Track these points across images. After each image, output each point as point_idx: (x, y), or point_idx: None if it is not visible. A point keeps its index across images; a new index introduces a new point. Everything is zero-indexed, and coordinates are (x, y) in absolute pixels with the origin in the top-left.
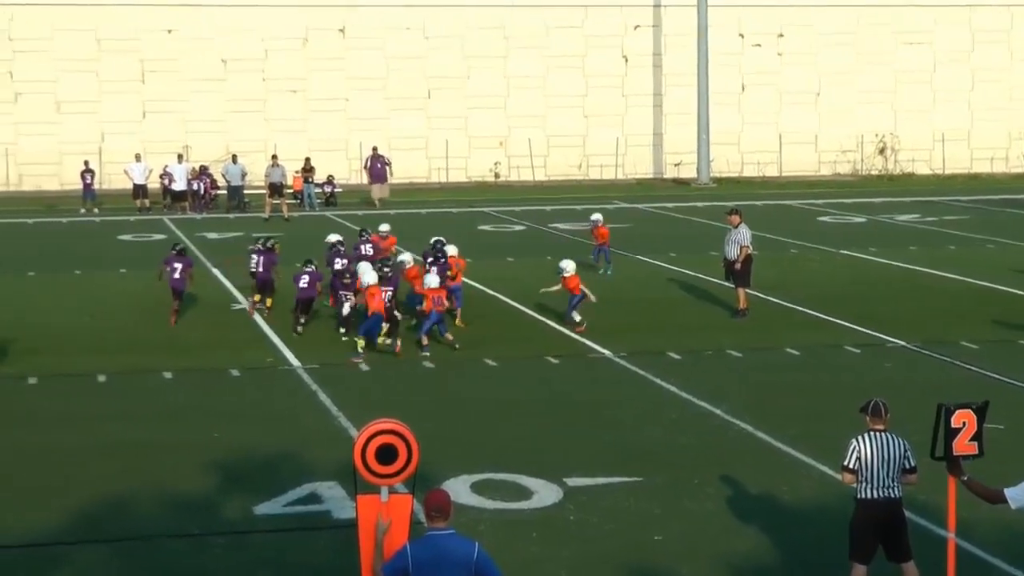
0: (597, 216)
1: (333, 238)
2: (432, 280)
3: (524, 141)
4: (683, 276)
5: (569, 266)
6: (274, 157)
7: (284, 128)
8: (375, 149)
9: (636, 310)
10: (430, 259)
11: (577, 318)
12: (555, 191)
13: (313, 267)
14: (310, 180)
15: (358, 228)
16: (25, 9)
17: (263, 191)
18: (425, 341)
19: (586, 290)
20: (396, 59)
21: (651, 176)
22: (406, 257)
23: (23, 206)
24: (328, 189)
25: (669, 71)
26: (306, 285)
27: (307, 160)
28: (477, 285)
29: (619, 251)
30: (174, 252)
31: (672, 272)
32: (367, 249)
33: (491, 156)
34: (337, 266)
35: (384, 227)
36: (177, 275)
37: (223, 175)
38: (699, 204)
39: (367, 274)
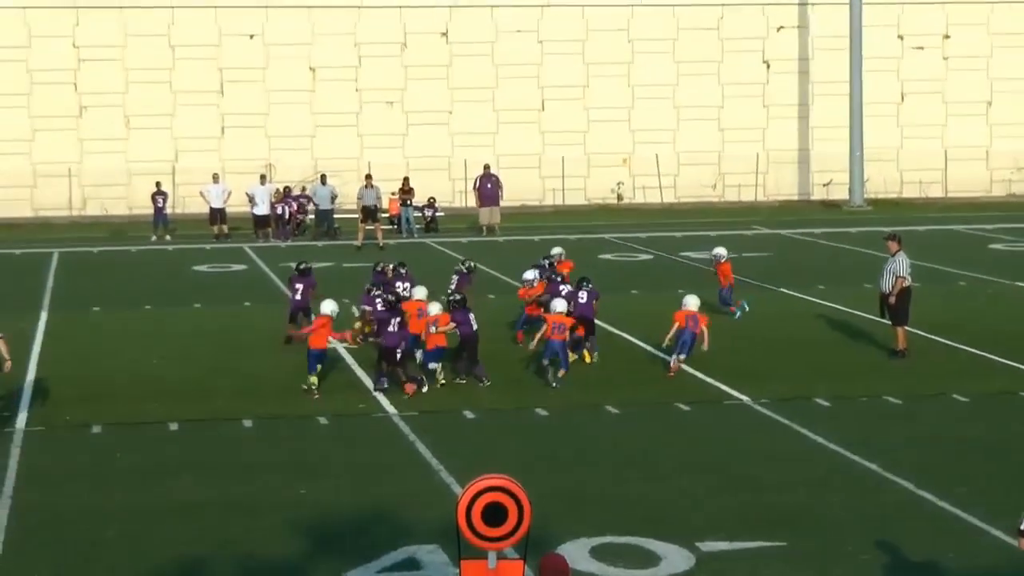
0: (720, 251)
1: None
2: (559, 305)
3: (651, 158)
4: (833, 312)
5: (692, 301)
6: (368, 177)
7: (379, 144)
8: (487, 167)
9: (778, 350)
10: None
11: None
12: (686, 214)
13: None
14: (408, 203)
15: (461, 261)
16: (92, 12)
17: (355, 215)
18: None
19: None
20: (506, 66)
21: (796, 197)
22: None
23: (88, 232)
24: (429, 213)
25: (817, 78)
26: (299, 297)
27: (405, 180)
28: (598, 322)
29: (760, 284)
30: (296, 272)
31: (820, 307)
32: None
33: (613, 175)
34: (400, 291)
35: (557, 249)
36: (299, 296)
37: (311, 197)
38: (851, 230)
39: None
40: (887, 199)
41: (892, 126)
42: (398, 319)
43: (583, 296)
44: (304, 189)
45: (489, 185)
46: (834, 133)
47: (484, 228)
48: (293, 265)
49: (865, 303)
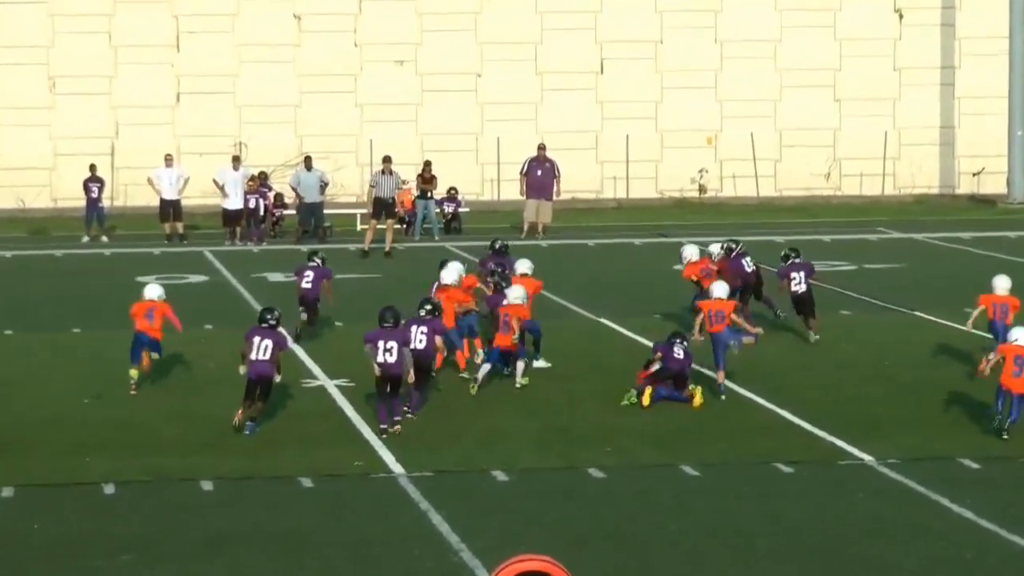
0: (689, 251)
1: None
2: (719, 290)
3: (744, 138)
4: (984, 344)
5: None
6: (386, 160)
7: (384, 117)
8: (542, 148)
9: (911, 394)
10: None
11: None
12: (789, 212)
13: (317, 261)
14: (430, 195)
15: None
16: None
17: (353, 210)
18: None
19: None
20: (553, 14)
21: (936, 190)
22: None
23: None
24: (449, 208)
25: (965, 33)
26: (309, 285)
27: (426, 166)
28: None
29: (887, 305)
30: (309, 262)
31: (967, 338)
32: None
33: (694, 160)
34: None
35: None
36: (308, 283)
37: (292, 187)
38: (1010, 234)
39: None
40: None
41: None
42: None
43: (678, 352)
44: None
45: (540, 172)
46: (988, 106)
47: (527, 227)
48: (266, 278)
49: None
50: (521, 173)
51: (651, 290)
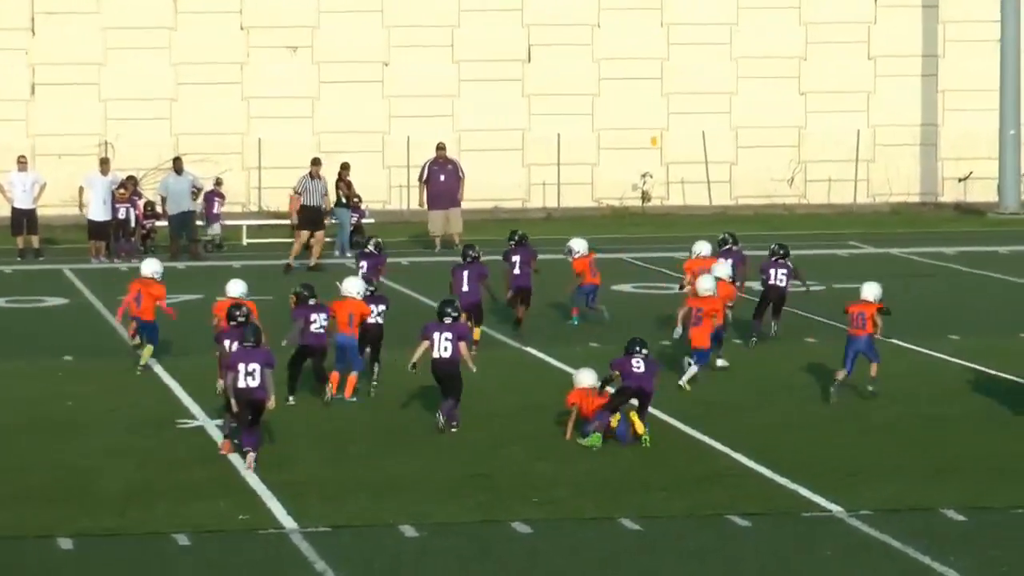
0: (577, 244)
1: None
2: (722, 269)
3: (694, 138)
4: (972, 376)
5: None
6: (316, 163)
7: (275, 112)
8: (441, 149)
9: (886, 435)
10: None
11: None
12: (747, 224)
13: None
14: (348, 202)
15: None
16: None
17: (239, 221)
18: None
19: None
20: None
21: (916, 198)
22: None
23: None
24: (352, 218)
25: (950, 16)
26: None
27: (344, 168)
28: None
29: None
30: (364, 251)
31: (952, 368)
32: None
33: (637, 163)
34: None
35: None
36: (465, 286)
37: (160, 194)
38: (1001, 248)
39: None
40: None
41: None
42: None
43: (638, 364)
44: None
45: (443, 177)
46: (977, 101)
47: (438, 241)
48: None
49: (1018, 363)
50: (421, 180)
51: (586, 315)
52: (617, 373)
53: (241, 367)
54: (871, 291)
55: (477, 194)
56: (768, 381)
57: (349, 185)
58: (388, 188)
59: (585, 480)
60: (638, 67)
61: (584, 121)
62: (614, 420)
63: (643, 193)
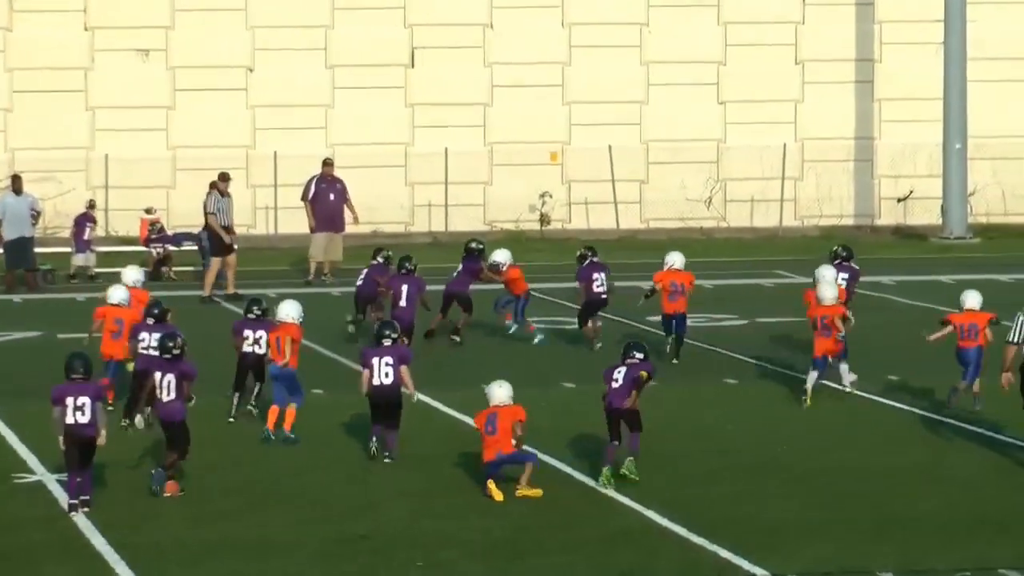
0: (500, 256)
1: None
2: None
3: (599, 152)
4: (914, 422)
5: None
6: (223, 179)
7: (125, 124)
8: (328, 164)
9: (816, 488)
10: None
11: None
12: (660, 249)
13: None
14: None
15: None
16: None
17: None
18: None
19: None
20: None
21: (851, 221)
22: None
23: None
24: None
25: (887, 15)
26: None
27: (222, 180)
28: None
29: (785, 370)
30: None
31: (892, 414)
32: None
33: (534, 182)
34: None
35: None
36: (404, 301)
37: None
38: (945, 278)
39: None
40: (1006, 225)
41: (1017, 99)
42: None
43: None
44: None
45: (332, 196)
46: (918, 110)
47: (313, 267)
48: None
49: (965, 406)
50: (305, 199)
51: (480, 354)
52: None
53: (70, 401)
54: (975, 299)
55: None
56: (683, 426)
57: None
58: (252, 210)
59: (477, 540)
60: (536, 72)
61: (475, 134)
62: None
63: (542, 215)
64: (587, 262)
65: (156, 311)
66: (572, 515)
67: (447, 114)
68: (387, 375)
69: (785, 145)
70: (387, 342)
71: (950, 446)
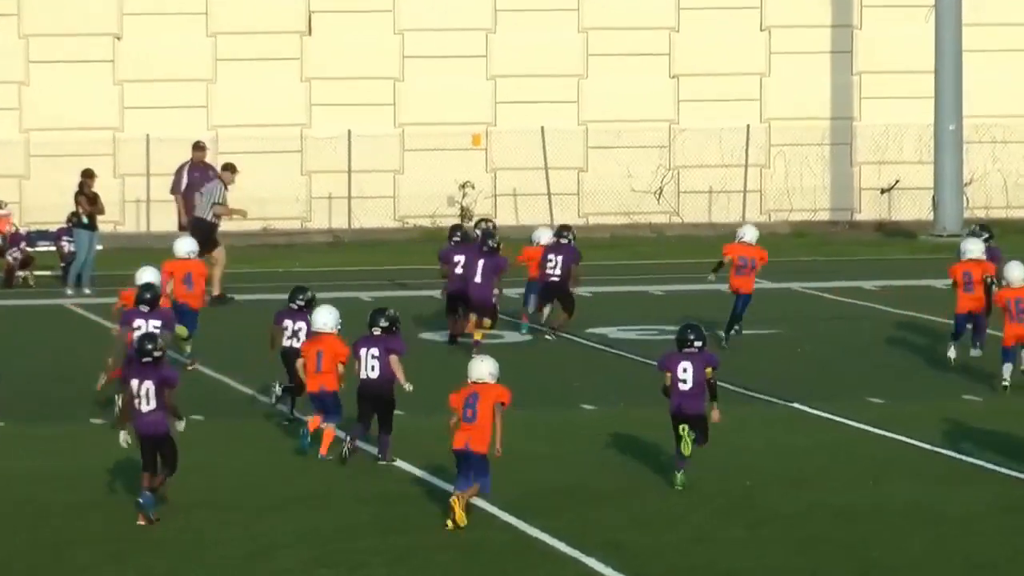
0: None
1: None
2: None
3: (530, 135)
4: (898, 450)
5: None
6: (232, 170)
7: None
8: (201, 148)
9: (788, 528)
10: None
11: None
12: (602, 250)
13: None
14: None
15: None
16: None
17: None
18: None
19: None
20: None
21: (826, 216)
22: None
23: None
24: (69, 245)
25: None
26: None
27: (89, 176)
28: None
29: (751, 392)
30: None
31: (874, 441)
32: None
33: (454, 169)
34: None
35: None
36: (479, 278)
37: None
38: (937, 283)
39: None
40: (1008, 220)
41: (1019, 77)
42: None
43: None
44: None
45: (197, 193)
46: (904, 85)
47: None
48: None
49: (966, 431)
50: (176, 191)
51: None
52: (668, 375)
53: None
54: (1020, 271)
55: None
56: (634, 456)
57: (94, 199)
58: (121, 204)
59: None
60: (455, 41)
61: (384, 114)
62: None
63: (462, 209)
64: (556, 240)
65: (148, 295)
66: (498, 563)
67: (350, 90)
68: (373, 368)
69: (749, 127)
70: (376, 331)
71: (940, 481)
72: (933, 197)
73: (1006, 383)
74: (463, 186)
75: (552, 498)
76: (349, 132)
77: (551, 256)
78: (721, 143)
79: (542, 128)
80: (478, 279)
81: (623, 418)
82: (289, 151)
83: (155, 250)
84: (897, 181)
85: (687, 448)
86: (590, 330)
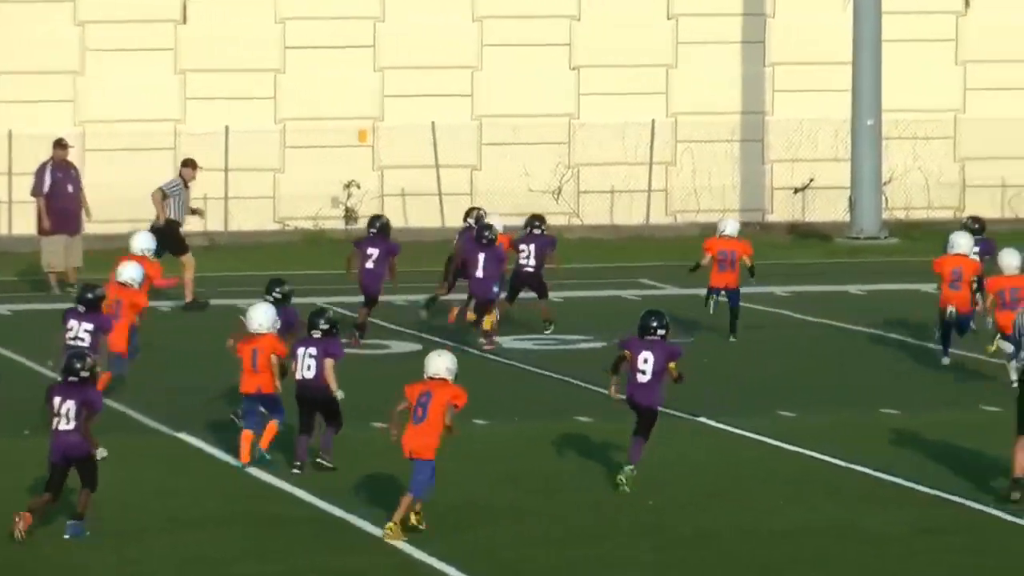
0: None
1: None
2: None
3: (419, 130)
4: (812, 468)
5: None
6: (193, 166)
7: None
8: (63, 146)
9: (696, 549)
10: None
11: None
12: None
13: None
14: None
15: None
16: None
17: None
18: None
19: None
20: None
21: (737, 217)
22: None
23: None
24: None
25: None
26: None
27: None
28: None
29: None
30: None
31: (786, 458)
32: None
33: (339, 167)
34: None
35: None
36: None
37: None
38: (853, 288)
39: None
40: (929, 222)
41: (942, 73)
42: None
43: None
44: None
45: (71, 188)
46: (819, 78)
47: (53, 279)
48: None
49: (882, 446)
50: (39, 193)
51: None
52: (626, 353)
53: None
54: (1014, 258)
55: (104, 212)
56: (528, 473)
57: None
58: None
59: None
60: (340, 30)
61: (264, 108)
62: None
63: (347, 211)
64: (528, 230)
65: (90, 295)
66: None
67: (227, 83)
68: (309, 368)
69: (654, 122)
70: (316, 333)
71: (862, 499)
72: (850, 197)
73: (1014, 382)
74: (348, 186)
75: (441, 519)
76: (226, 128)
77: (523, 246)
78: (624, 139)
79: (433, 123)
80: (479, 273)
81: (519, 434)
82: (162, 148)
83: (15, 254)
84: (811, 180)
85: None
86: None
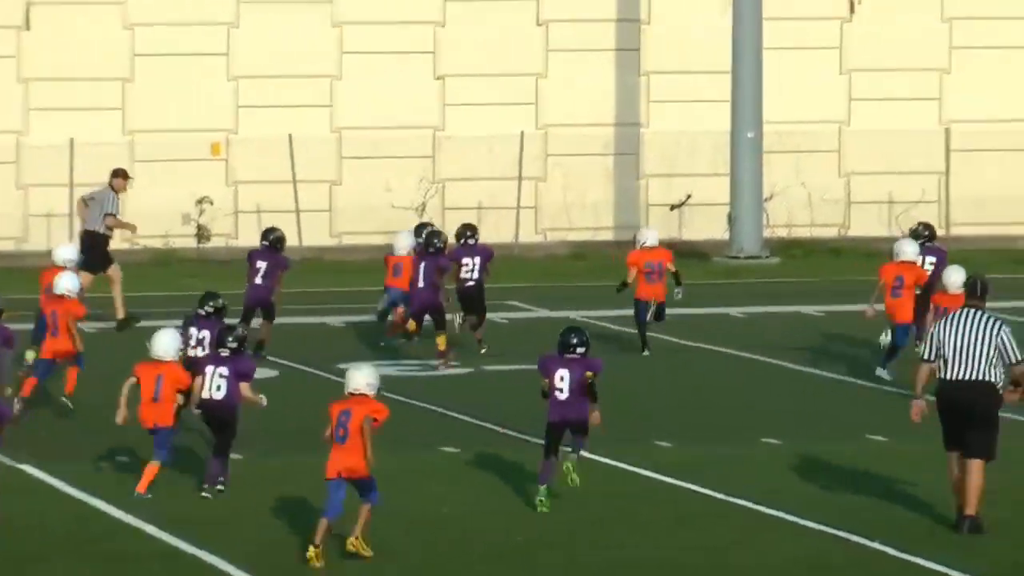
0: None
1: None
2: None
3: (276, 143)
4: (691, 501)
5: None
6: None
7: None
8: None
9: None
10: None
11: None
12: (356, 274)
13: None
14: None
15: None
16: None
17: None
18: None
19: None
20: None
21: (609, 235)
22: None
23: None
24: None
25: None
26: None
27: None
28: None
29: (523, 435)
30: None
31: (661, 490)
32: None
33: (190, 182)
34: None
35: None
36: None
37: None
38: (734, 310)
39: None
40: (812, 240)
41: (824, 79)
42: None
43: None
44: None
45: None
46: (697, 88)
47: None
48: None
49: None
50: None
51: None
52: (545, 382)
53: None
54: (959, 275)
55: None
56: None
57: None
58: None
59: None
60: (193, 36)
61: (111, 119)
62: None
63: (199, 228)
64: (463, 242)
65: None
66: None
67: (73, 92)
68: (219, 388)
69: (523, 134)
70: (224, 352)
71: (744, 532)
72: (729, 214)
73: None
74: (200, 202)
75: (298, 553)
76: (72, 140)
77: (466, 260)
78: (492, 153)
79: (290, 136)
80: (421, 283)
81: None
82: (3, 162)
83: None
84: (689, 196)
85: (573, 481)
86: (342, 365)
